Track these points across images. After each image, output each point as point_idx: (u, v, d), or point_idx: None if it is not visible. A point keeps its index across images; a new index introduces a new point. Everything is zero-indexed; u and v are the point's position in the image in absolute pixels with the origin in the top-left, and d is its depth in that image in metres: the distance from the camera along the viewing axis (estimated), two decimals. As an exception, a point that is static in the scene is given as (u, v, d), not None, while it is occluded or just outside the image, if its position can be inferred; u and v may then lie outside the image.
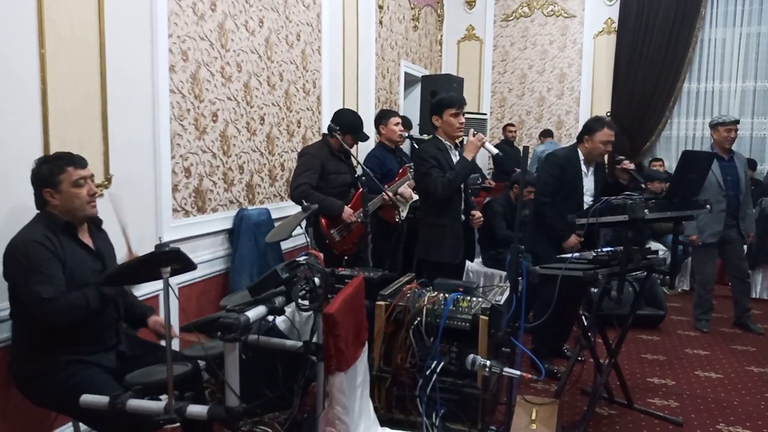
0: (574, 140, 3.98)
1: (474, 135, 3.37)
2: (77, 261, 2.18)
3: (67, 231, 2.20)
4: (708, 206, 3.19)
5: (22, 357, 2.14)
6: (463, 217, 3.54)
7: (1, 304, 2.30)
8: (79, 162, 2.23)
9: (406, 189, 4.20)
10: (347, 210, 3.82)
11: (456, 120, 3.43)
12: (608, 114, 7.72)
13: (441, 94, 3.63)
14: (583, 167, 3.83)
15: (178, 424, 1.85)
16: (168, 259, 1.77)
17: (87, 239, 2.30)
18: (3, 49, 2.31)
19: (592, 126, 3.79)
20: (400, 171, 4.36)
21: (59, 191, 2.17)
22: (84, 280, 2.13)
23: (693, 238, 4.71)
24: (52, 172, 2.17)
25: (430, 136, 3.66)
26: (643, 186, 3.72)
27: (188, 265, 1.89)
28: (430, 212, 3.53)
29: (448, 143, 3.49)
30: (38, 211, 2.21)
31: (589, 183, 3.86)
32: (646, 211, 2.76)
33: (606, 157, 3.97)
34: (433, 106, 3.52)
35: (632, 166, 3.69)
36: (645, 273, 3.39)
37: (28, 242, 2.07)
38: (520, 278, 2.40)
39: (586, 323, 3.21)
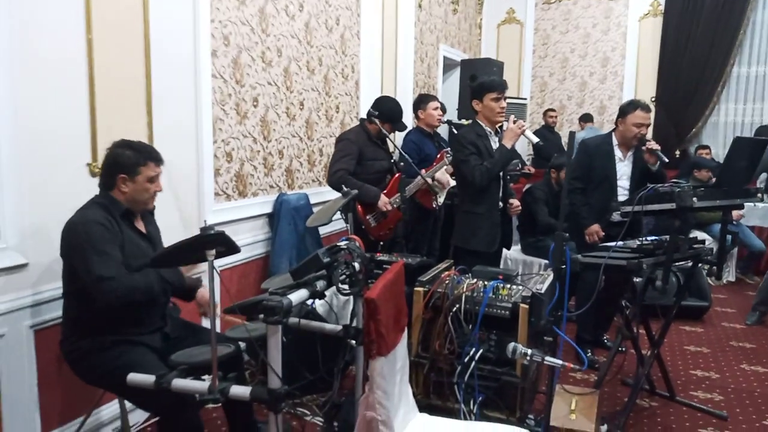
0: (618, 126, 3.89)
1: (514, 122, 3.31)
2: (133, 246, 2.22)
3: (125, 217, 2.25)
4: (759, 194, 3.08)
5: (73, 335, 2.20)
6: (501, 204, 3.49)
7: (56, 283, 2.38)
8: (160, 159, 2.28)
9: (443, 175, 4.16)
10: (383, 198, 3.81)
11: (497, 104, 3.37)
12: (653, 99, 7.51)
13: (482, 77, 3.56)
14: (618, 152, 3.77)
15: (219, 404, 1.88)
16: (213, 241, 1.79)
17: (140, 225, 2.35)
18: (52, 35, 2.36)
19: (624, 108, 3.75)
20: (438, 156, 4.33)
21: (134, 181, 2.21)
22: (139, 264, 2.17)
23: None
24: (137, 161, 2.20)
25: (470, 121, 3.61)
26: (666, 162, 3.60)
27: (232, 248, 1.91)
28: (467, 199, 3.49)
29: (488, 128, 3.44)
30: (98, 192, 2.26)
31: (625, 168, 3.79)
32: (694, 199, 2.68)
33: None
34: (473, 89, 3.46)
35: (657, 146, 3.60)
36: (691, 263, 3.30)
37: (90, 222, 2.11)
38: (563, 266, 2.35)
39: (628, 313, 3.15)
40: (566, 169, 2.66)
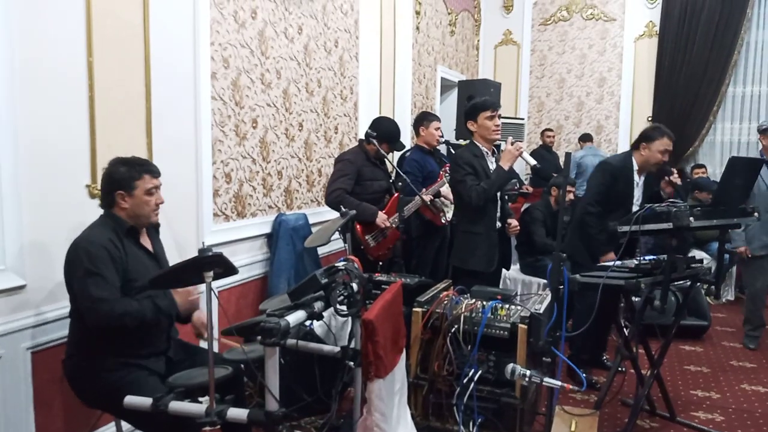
0: (614, 145, 3.92)
1: (512, 144, 3.33)
2: (138, 264, 2.23)
3: (130, 234, 2.25)
4: (756, 214, 3.09)
5: (76, 355, 2.20)
6: (499, 224, 3.49)
7: (54, 305, 2.40)
8: (155, 171, 2.29)
9: (448, 189, 4.16)
10: (381, 215, 3.82)
11: (492, 123, 3.39)
12: (649, 119, 7.58)
13: (474, 99, 3.60)
14: (636, 176, 3.70)
15: (218, 427, 1.87)
16: (211, 263, 1.79)
17: (146, 242, 2.36)
18: (53, 57, 2.39)
19: (651, 134, 3.65)
20: (441, 172, 4.33)
21: (132, 196, 2.22)
22: (143, 282, 2.16)
23: (741, 250, 4.44)
24: (131, 176, 2.21)
25: (467, 141, 3.63)
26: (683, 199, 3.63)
27: (230, 270, 1.91)
28: (464, 219, 3.50)
29: (485, 148, 3.46)
30: (103, 212, 2.26)
31: (638, 192, 3.72)
32: (691, 219, 2.69)
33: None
34: (467, 111, 3.49)
35: (680, 181, 3.58)
36: (689, 282, 3.30)
37: (92, 243, 2.12)
38: (561, 286, 2.35)
39: (627, 333, 3.14)
40: (561, 190, 2.67)
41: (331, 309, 2.06)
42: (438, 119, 4.61)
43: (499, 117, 3.46)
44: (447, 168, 4.17)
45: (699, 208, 2.84)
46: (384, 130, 3.93)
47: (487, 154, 3.46)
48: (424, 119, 4.55)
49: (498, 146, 3.57)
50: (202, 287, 1.85)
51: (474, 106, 3.44)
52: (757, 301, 4.56)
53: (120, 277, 2.15)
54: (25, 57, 2.27)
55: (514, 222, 3.58)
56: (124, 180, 2.21)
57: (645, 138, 3.66)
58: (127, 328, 2.13)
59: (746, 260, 4.54)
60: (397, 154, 4.88)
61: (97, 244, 2.12)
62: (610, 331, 4.06)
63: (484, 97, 3.56)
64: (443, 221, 4.14)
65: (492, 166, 3.42)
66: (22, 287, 2.30)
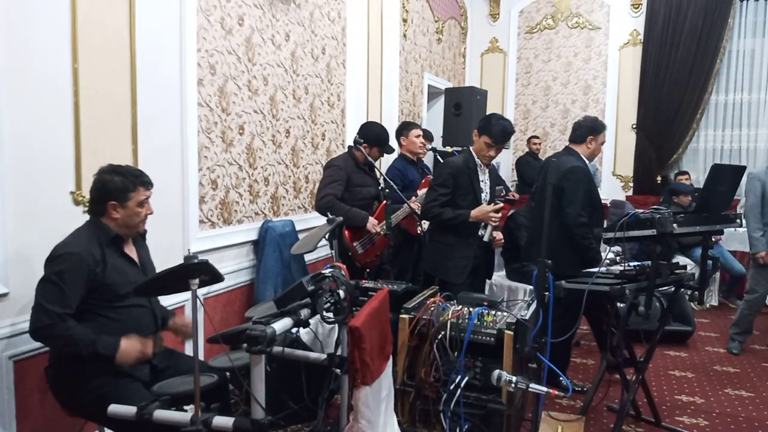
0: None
1: (495, 205, 3.37)
2: (119, 273, 2.20)
3: (114, 243, 2.23)
4: (738, 220, 3.13)
5: (59, 362, 2.17)
6: (482, 232, 3.47)
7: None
8: (149, 183, 2.28)
9: None
10: (371, 220, 3.83)
11: (488, 150, 3.38)
12: (633, 126, 7.67)
13: (498, 120, 3.41)
14: None
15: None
16: (197, 270, 1.79)
17: (131, 250, 2.34)
18: (38, 64, 2.37)
19: (597, 126, 3.62)
20: (422, 182, 4.35)
21: (125, 207, 2.20)
22: (127, 290, 2.14)
23: (761, 254, 4.36)
24: (126, 187, 2.19)
25: (460, 148, 3.63)
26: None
27: (216, 277, 1.91)
28: (436, 229, 3.53)
29: (479, 161, 3.46)
30: (89, 219, 2.24)
31: None
32: (674, 225, 2.72)
33: None
34: (482, 121, 3.45)
35: None
36: (673, 288, 3.33)
37: (71, 254, 2.08)
38: (546, 293, 2.37)
39: (612, 339, 3.16)
40: (547, 197, 2.68)
41: (318, 316, 2.06)
42: (417, 126, 4.63)
43: (498, 150, 3.44)
44: (430, 179, 4.20)
45: (682, 215, 2.87)
46: (373, 134, 3.95)
47: (480, 166, 3.46)
48: (404, 129, 4.58)
49: (491, 166, 3.57)
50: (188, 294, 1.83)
51: (489, 125, 3.35)
52: (753, 307, 4.55)
53: (86, 291, 2.10)
54: (10, 64, 2.25)
55: (499, 235, 3.59)
56: (119, 191, 2.19)
57: (592, 131, 3.62)
58: (71, 353, 2.07)
59: (759, 265, 4.45)
60: (384, 159, 4.89)
61: (76, 253, 2.08)
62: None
63: (505, 127, 3.38)
64: (419, 231, 4.17)
65: (483, 178, 3.45)
66: (5, 295, 2.27)
